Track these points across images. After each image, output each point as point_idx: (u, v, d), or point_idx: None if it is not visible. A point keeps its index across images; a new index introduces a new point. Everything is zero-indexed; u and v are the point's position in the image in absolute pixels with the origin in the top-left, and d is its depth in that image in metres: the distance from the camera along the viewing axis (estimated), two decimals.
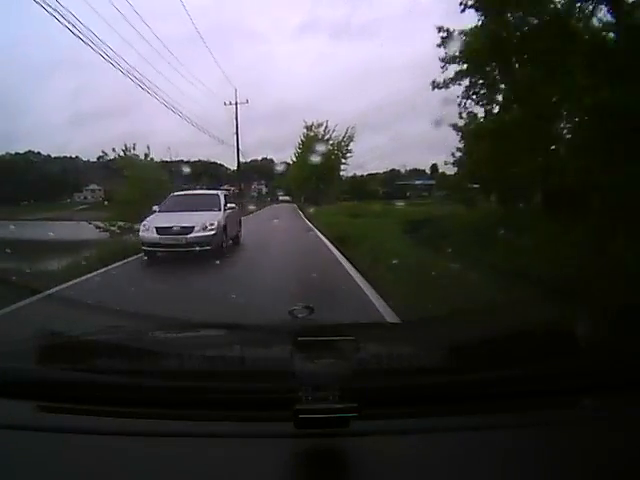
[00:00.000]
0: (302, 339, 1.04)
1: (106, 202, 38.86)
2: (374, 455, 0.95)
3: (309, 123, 35.26)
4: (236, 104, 31.92)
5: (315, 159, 31.79)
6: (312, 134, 35.02)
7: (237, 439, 1.02)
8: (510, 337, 1.49)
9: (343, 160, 35.61)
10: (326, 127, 34.76)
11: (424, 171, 38.23)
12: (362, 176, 41.95)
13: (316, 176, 33.22)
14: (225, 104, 31.69)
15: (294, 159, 37.44)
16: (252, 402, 1.10)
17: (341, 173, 37.48)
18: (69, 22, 11.70)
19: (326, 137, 34.56)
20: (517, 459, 0.96)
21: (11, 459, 0.96)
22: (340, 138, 34.52)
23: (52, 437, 1.02)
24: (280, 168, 40.36)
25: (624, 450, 0.96)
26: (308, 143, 34.53)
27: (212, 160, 44.81)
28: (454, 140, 14.47)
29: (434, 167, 34.97)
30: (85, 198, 40.63)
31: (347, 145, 34.93)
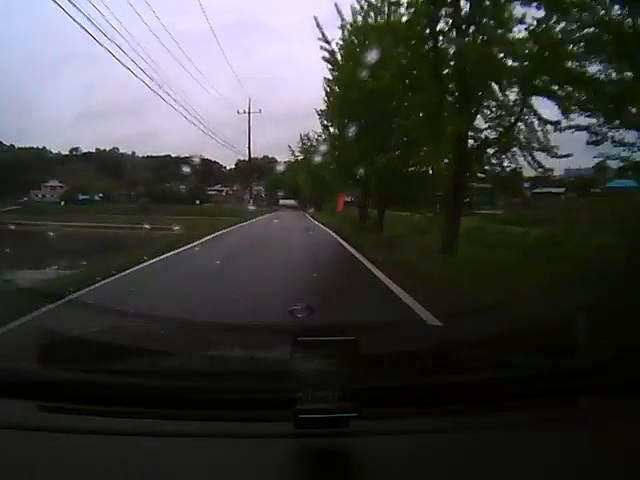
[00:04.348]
0: (302, 339, 1.04)
1: (63, 202, 32.58)
2: (374, 455, 0.95)
3: None
4: None
5: None
6: None
7: (237, 439, 1.02)
8: (510, 337, 1.49)
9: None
10: None
11: None
12: None
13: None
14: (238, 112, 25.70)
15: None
16: (252, 402, 1.10)
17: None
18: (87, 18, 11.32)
19: None
20: (517, 459, 0.96)
21: (11, 459, 0.96)
22: None
23: (52, 437, 1.02)
24: (280, 168, 30.01)
25: (624, 450, 0.96)
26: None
27: (205, 157, 37.45)
28: None
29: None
30: (43, 197, 34.85)
31: None
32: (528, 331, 1.61)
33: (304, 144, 26.17)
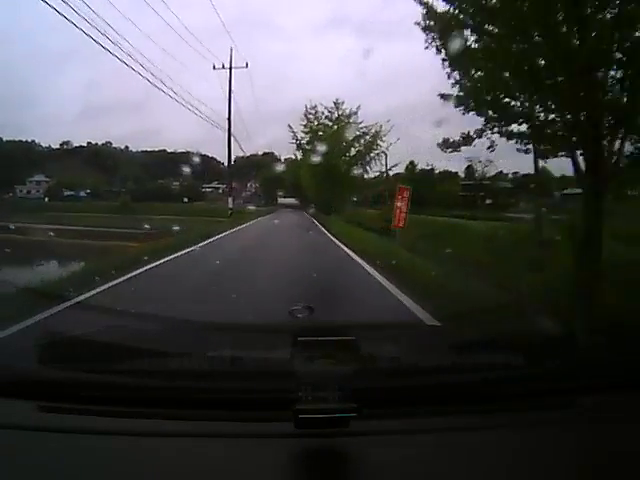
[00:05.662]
0: (302, 339, 1.04)
1: (47, 199, 30.71)
2: (374, 455, 0.95)
3: None
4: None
5: None
6: None
7: (237, 439, 1.02)
8: (510, 338, 1.49)
9: None
10: None
11: (457, 173, 29.94)
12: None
13: None
14: (215, 67, 21.31)
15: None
16: (252, 402, 1.10)
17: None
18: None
19: None
20: (517, 459, 0.96)
21: (11, 459, 0.96)
22: None
23: (52, 437, 1.02)
24: (281, 168, 26.66)
25: (624, 450, 0.96)
26: None
27: (203, 152, 35.45)
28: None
29: (470, 169, 27.53)
30: (28, 192, 33.29)
31: None
32: (527, 331, 1.60)
33: (309, 122, 21.40)
